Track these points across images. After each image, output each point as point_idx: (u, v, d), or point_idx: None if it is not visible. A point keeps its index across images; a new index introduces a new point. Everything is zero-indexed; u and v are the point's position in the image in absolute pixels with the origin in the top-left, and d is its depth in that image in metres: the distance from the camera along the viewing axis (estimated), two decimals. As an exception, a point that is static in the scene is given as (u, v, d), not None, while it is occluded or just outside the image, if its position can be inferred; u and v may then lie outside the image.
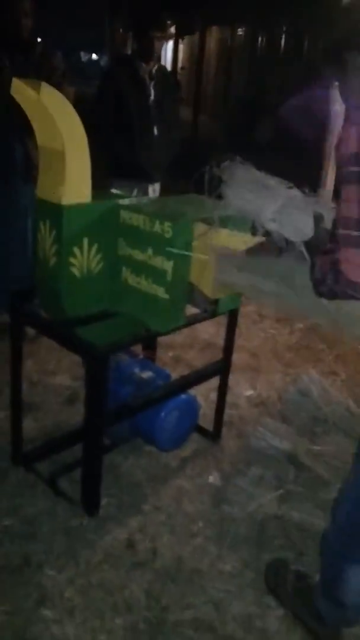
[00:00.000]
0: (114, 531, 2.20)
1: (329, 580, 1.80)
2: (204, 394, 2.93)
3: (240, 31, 13.15)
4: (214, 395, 2.81)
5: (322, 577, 1.84)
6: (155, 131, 3.57)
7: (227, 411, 2.83)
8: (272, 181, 1.76)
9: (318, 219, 1.60)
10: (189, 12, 11.64)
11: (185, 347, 3.54)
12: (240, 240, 1.98)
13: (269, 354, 3.60)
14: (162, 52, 3.67)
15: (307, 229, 1.61)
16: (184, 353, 3.46)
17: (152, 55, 3.52)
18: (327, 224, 1.57)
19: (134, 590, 1.99)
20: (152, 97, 3.54)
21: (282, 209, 1.67)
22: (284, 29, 10.47)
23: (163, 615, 1.92)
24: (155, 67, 3.57)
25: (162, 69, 3.76)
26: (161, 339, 3.13)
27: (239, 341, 3.24)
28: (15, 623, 1.84)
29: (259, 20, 11.13)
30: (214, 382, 2.78)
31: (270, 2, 8.83)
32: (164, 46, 4.49)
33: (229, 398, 2.86)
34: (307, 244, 1.60)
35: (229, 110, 12.35)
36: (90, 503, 2.25)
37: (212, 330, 3.67)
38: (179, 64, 15.93)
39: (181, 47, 17.05)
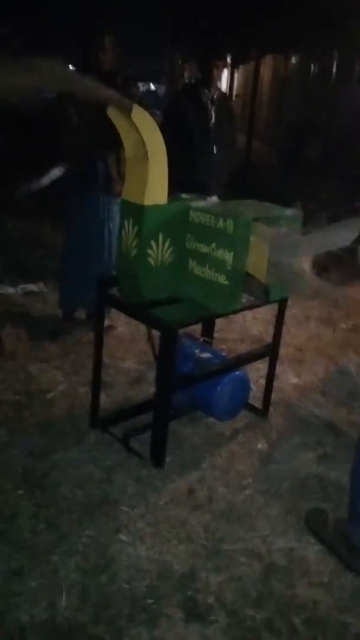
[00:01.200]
0: (177, 481, 2.61)
1: (355, 502, 2.16)
2: (254, 379, 3.30)
3: (293, 60, 13.67)
4: (262, 381, 3.20)
5: (351, 502, 2.20)
6: (215, 150, 4.01)
7: (274, 395, 3.20)
8: None
9: None
10: (244, 43, 12.24)
11: (237, 341, 3.94)
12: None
13: (313, 349, 3.96)
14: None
15: None
16: (235, 346, 3.86)
17: (214, 82, 3.98)
18: None
19: (194, 526, 2.38)
20: (212, 121, 3.99)
21: None
22: (336, 56, 10.90)
23: (218, 545, 2.30)
24: (216, 93, 4.02)
25: (222, 95, 4.20)
26: (216, 334, 3.54)
27: (285, 338, 3.62)
28: (98, 544, 2.26)
29: (311, 49, 11.60)
30: (263, 370, 3.17)
31: (322, 31, 9.30)
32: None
33: (276, 384, 3.23)
34: None
35: (281, 134, 12.83)
36: (157, 458, 2.66)
37: (260, 328, 4.07)
38: (234, 92, 16.56)
39: (236, 75, 17.73)
